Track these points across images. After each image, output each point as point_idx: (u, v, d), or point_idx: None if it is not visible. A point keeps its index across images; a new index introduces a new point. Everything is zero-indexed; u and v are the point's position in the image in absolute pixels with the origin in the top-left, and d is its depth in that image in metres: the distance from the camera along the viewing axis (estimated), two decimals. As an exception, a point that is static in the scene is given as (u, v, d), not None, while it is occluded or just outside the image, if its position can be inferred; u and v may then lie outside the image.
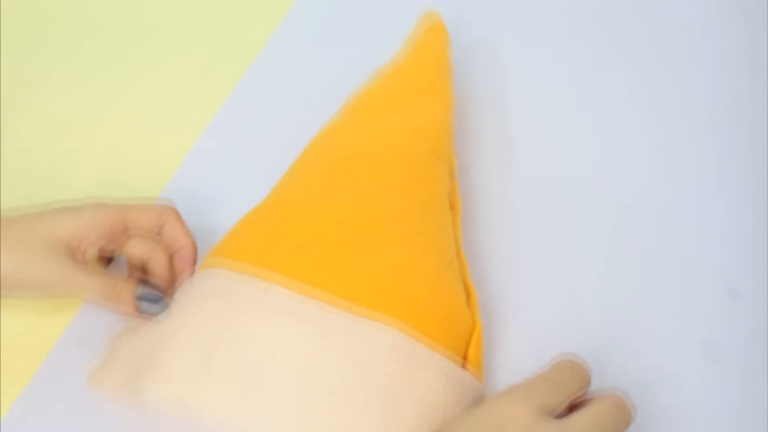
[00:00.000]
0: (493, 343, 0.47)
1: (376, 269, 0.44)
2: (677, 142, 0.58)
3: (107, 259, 0.51)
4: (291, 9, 0.70)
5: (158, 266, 0.48)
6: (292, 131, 0.55)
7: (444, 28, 0.60)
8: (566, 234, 0.52)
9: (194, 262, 0.49)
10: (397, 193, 0.48)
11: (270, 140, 0.59)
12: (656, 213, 0.53)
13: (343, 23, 0.69)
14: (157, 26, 0.70)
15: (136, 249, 0.48)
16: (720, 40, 0.65)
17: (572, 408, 0.39)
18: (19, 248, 0.45)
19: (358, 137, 0.52)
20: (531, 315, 0.48)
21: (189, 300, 0.45)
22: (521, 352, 0.47)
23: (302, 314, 0.42)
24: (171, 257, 0.49)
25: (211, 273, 0.45)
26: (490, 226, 0.53)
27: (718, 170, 0.56)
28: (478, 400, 0.42)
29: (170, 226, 0.49)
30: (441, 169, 0.51)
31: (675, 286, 0.50)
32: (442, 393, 0.41)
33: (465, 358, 0.44)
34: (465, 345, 0.44)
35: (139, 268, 0.49)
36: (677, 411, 0.44)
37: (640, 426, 0.40)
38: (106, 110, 0.63)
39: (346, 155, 0.51)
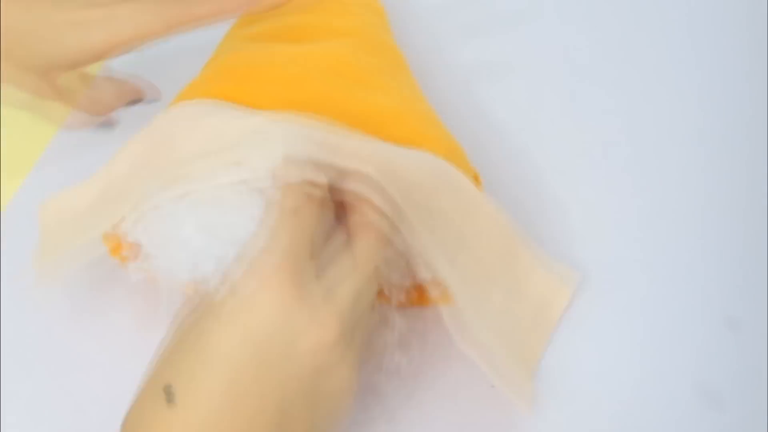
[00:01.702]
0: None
1: (381, 104, 0.40)
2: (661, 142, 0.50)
3: None
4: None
5: None
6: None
7: None
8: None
9: None
10: (367, 53, 0.44)
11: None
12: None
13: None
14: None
15: None
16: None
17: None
18: None
19: (302, 16, 0.45)
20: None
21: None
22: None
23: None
24: None
25: (180, 105, 0.39)
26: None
27: (711, 174, 0.48)
28: None
29: None
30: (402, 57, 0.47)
31: (665, 312, 0.43)
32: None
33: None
34: None
35: None
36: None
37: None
38: None
39: (292, 24, 0.44)
